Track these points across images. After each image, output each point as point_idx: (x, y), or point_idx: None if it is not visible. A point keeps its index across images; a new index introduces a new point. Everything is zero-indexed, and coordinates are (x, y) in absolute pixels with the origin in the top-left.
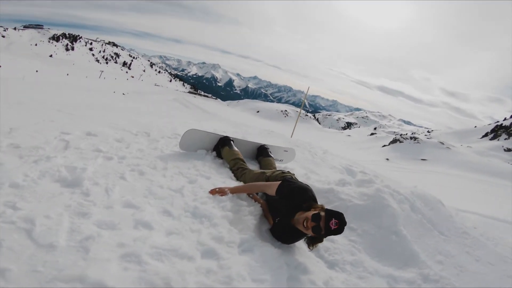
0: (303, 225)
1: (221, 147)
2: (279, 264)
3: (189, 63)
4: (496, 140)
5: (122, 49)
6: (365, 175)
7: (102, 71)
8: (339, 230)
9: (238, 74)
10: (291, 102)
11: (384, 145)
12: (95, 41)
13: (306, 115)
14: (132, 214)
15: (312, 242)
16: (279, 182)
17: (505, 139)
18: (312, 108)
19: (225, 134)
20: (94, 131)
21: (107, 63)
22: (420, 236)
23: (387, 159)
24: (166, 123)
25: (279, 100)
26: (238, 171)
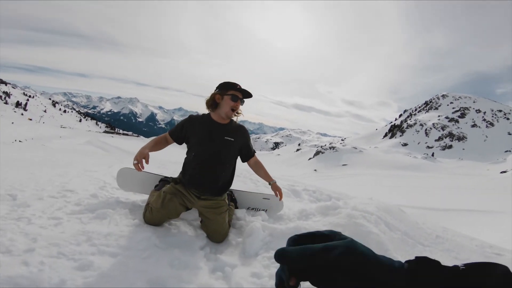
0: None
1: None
2: None
3: (101, 98)
4: (394, 138)
5: (13, 87)
6: (329, 201)
7: None
8: None
9: (160, 107)
10: None
11: (310, 158)
12: None
13: None
14: None
15: None
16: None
17: (400, 136)
18: None
19: (164, 175)
20: None
21: None
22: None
23: (315, 170)
24: (56, 176)
25: None
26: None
